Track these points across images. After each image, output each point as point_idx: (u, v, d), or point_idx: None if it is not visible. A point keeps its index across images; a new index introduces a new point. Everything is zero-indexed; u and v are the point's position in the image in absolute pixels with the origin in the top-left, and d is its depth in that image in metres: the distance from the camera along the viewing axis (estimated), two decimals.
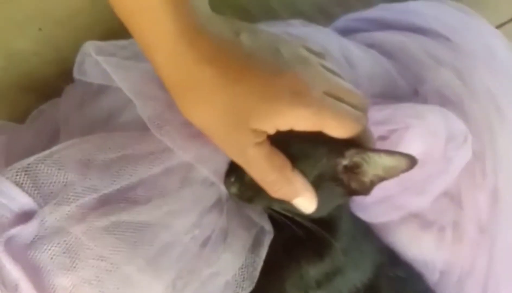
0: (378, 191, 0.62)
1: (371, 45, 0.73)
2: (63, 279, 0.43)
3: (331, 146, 0.49)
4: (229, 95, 0.43)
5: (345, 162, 0.51)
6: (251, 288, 0.52)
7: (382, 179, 0.51)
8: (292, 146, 0.49)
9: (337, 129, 0.46)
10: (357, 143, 0.50)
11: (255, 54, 0.44)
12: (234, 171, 0.52)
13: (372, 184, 0.52)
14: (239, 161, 0.47)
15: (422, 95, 0.69)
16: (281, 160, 0.47)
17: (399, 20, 0.78)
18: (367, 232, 0.65)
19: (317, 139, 0.48)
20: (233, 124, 0.44)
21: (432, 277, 0.71)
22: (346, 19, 0.83)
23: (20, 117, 0.58)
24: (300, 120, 0.45)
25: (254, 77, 0.43)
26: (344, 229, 0.60)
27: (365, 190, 0.53)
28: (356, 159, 0.50)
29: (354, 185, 0.53)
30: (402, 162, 0.48)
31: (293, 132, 0.47)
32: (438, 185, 0.64)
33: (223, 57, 0.43)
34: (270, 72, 0.44)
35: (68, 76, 0.55)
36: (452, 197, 0.70)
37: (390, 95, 0.67)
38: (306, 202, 0.50)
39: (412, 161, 0.48)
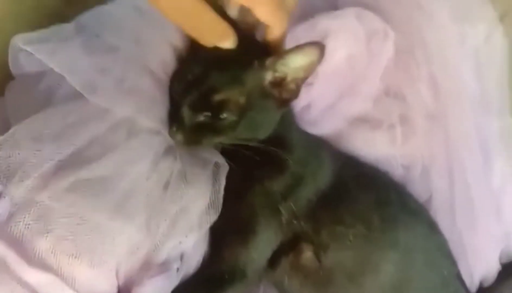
0: (318, 103, 0.68)
1: None
2: (43, 242, 0.48)
3: (251, 65, 0.54)
4: None
5: (269, 76, 0.56)
6: (217, 215, 0.58)
7: (305, 79, 0.57)
8: (214, 77, 0.54)
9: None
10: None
11: None
12: (174, 120, 0.56)
13: (298, 87, 0.58)
14: None
15: (341, 7, 0.73)
16: None
17: None
18: (321, 142, 0.70)
19: (235, 63, 0.54)
20: None
21: (397, 173, 0.76)
22: None
23: None
24: None
25: None
26: (296, 143, 0.65)
27: (294, 95, 0.59)
28: (278, 68, 0.55)
29: (285, 95, 0.58)
30: (313, 54, 0.54)
31: (212, 63, 0.52)
32: (369, 83, 0.69)
33: None
34: None
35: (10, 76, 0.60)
36: (395, 94, 0.75)
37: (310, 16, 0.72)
38: None
39: (320, 48, 0.53)
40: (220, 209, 0.58)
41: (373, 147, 0.73)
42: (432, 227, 0.72)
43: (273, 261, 0.63)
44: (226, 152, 0.61)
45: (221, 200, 0.58)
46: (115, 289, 0.53)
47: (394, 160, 0.75)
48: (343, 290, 0.63)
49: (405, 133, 0.75)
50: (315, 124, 0.70)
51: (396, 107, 0.74)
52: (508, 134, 0.80)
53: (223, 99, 0.55)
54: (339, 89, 0.68)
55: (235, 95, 0.55)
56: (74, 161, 0.50)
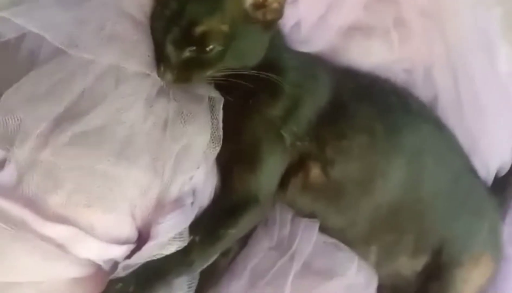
0: (306, 19, 0.67)
1: None
2: (55, 197, 0.50)
3: None
4: None
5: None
6: (219, 147, 0.59)
7: None
8: (192, 9, 0.53)
9: None
10: None
11: None
12: (161, 60, 0.56)
13: (282, 5, 0.57)
14: None
15: None
16: None
17: None
18: (315, 60, 0.69)
19: None
20: None
21: (398, 78, 0.74)
22: None
23: None
24: None
25: None
26: (289, 64, 0.64)
27: (279, 14, 0.58)
28: None
29: (269, 16, 0.57)
30: None
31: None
32: None
33: None
34: None
35: None
36: None
37: None
38: None
39: None
40: (221, 141, 0.58)
41: (371, 56, 0.72)
42: (438, 124, 0.72)
43: (284, 183, 0.64)
44: (220, 86, 0.60)
45: (221, 132, 0.59)
46: (134, 231, 0.56)
47: (394, 65, 0.74)
48: (355, 200, 0.65)
49: (402, 36, 0.73)
50: (307, 42, 0.68)
51: (389, 10, 0.72)
52: (509, 19, 0.77)
53: (205, 30, 0.54)
54: (324, 1, 0.66)
55: (216, 24, 0.54)
56: (69, 116, 0.51)
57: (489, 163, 0.75)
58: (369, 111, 0.66)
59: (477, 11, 0.73)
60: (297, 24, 0.68)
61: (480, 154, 0.75)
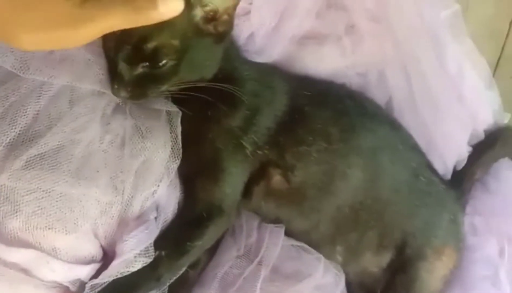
0: (260, 30, 0.68)
1: None
2: (14, 222, 0.50)
3: None
4: None
5: (198, 13, 0.56)
6: (179, 160, 0.60)
7: (235, 6, 0.57)
8: (141, 26, 0.53)
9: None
10: None
11: None
12: (114, 78, 0.56)
13: (231, 17, 0.58)
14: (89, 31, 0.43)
15: None
16: None
17: None
18: (271, 70, 0.71)
19: None
20: None
21: (353, 82, 0.77)
22: None
23: None
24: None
25: None
26: (246, 75, 0.66)
27: (230, 25, 0.59)
28: (206, 2, 0.55)
29: (220, 28, 0.58)
30: None
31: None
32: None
33: None
34: None
35: None
36: (336, 5, 0.75)
37: None
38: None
39: None
40: (180, 155, 0.59)
41: (325, 62, 0.74)
42: (394, 125, 0.74)
43: (247, 192, 0.65)
44: (178, 99, 0.61)
45: (180, 146, 0.59)
46: (99, 250, 0.56)
47: (348, 70, 0.76)
48: (317, 202, 0.66)
49: (353, 41, 0.75)
50: (262, 52, 0.70)
51: (340, 18, 0.74)
52: (457, 20, 0.80)
53: (156, 46, 0.55)
54: (278, 10, 0.68)
55: (167, 39, 0.55)
56: (23, 140, 0.51)
57: (446, 158, 0.78)
58: (325, 116, 0.68)
59: (423, 11, 0.76)
60: (251, 36, 0.69)
61: (438, 150, 0.77)
